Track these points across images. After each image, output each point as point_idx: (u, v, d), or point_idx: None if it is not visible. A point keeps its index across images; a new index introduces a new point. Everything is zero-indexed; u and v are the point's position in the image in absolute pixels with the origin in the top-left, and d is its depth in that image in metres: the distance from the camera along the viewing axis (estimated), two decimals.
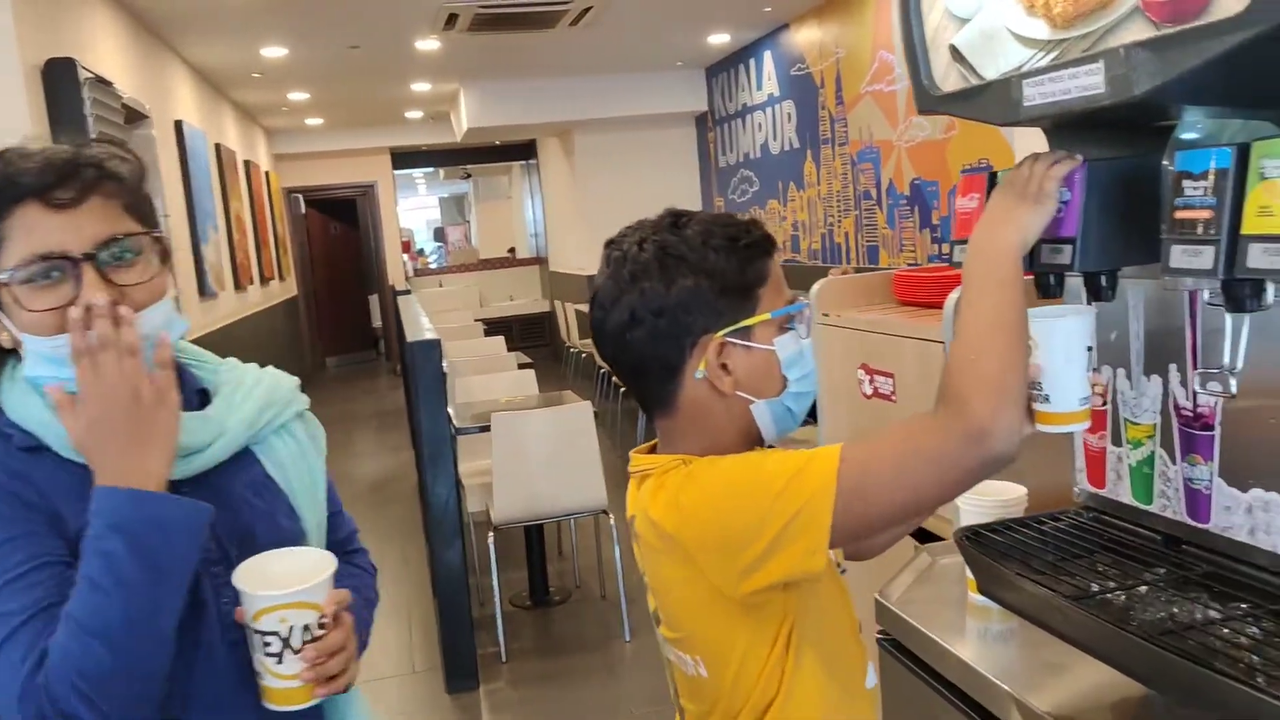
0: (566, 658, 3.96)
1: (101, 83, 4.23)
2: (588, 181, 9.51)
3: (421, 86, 8.55)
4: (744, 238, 1.11)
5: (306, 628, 1.02)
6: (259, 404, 1.16)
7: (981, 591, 1.42)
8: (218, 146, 7.31)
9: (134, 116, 5.10)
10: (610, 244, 1.16)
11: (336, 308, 12.67)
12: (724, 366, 1.10)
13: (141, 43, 5.58)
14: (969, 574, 1.46)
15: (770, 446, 1.20)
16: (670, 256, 1.09)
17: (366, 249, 12.55)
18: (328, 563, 1.07)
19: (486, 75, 8.23)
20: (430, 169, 14.27)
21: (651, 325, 1.09)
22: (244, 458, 1.14)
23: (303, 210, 12.15)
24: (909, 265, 5.60)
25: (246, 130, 9.20)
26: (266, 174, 10.04)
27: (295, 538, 1.15)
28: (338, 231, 12.78)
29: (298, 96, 8.59)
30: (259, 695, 1.04)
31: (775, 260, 1.14)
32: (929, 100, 1.28)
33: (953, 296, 1.94)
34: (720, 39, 7.59)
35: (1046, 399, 1.11)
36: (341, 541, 1.28)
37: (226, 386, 1.16)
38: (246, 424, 1.13)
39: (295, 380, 1.25)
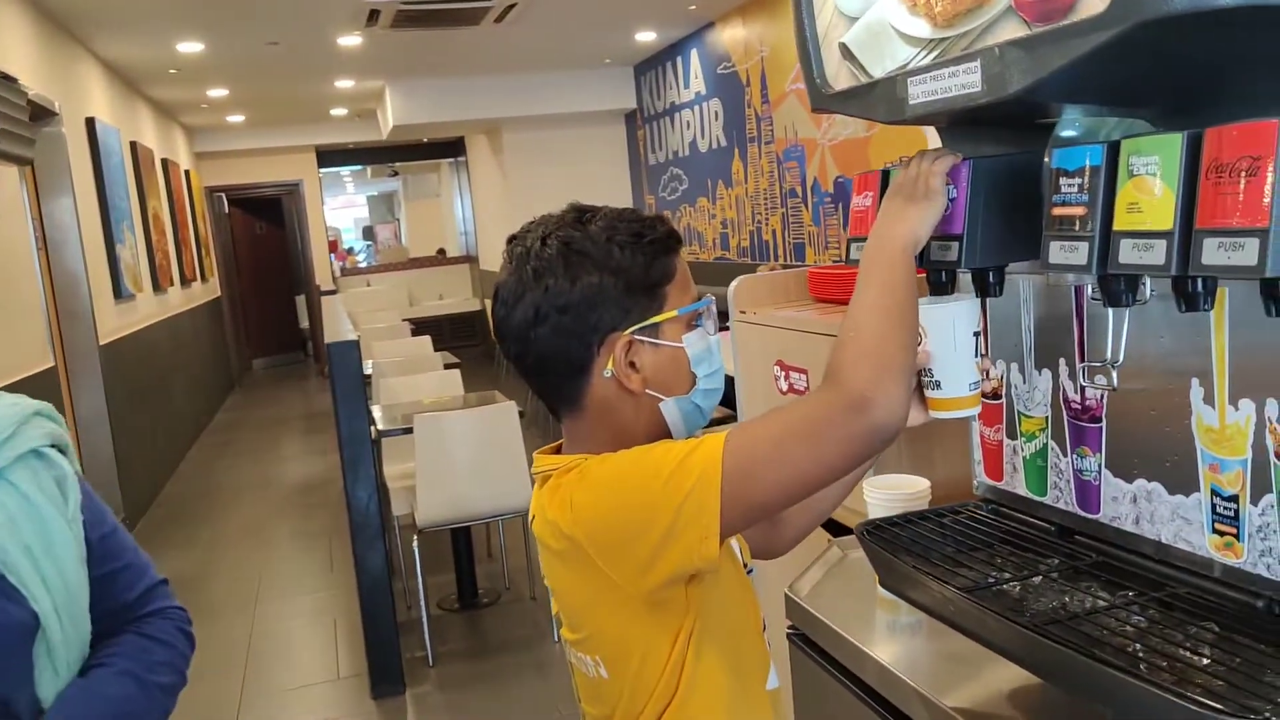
0: (495, 659, 3.92)
1: (4, 79, 4.09)
2: (517, 179, 9.45)
3: (345, 83, 8.42)
4: (649, 234, 1.10)
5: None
6: None
7: (883, 585, 1.43)
8: (133, 144, 7.12)
9: (41, 113, 4.94)
10: (513, 239, 1.14)
11: (263, 309, 12.43)
12: (632, 364, 1.09)
13: (49, 38, 5.40)
14: None
15: None
16: (575, 253, 1.07)
17: (293, 249, 12.33)
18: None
19: (412, 72, 8.13)
20: (357, 167, 14.07)
21: (556, 323, 1.07)
22: None
23: (225, 209, 11.89)
24: (834, 262, 5.66)
25: (164, 128, 8.97)
26: (186, 172, 9.80)
27: (17, 627, 0.93)
28: (263, 231, 12.53)
29: (217, 93, 8.40)
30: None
31: (681, 257, 1.13)
32: (821, 99, 1.29)
33: None
34: (647, 37, 7.59)
35: (938, 385, 1.13)
36: (130, 604, 1.10)
37: None
38: None
39: (27, 407, 1.02)
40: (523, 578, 4.63)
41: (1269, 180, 0.81)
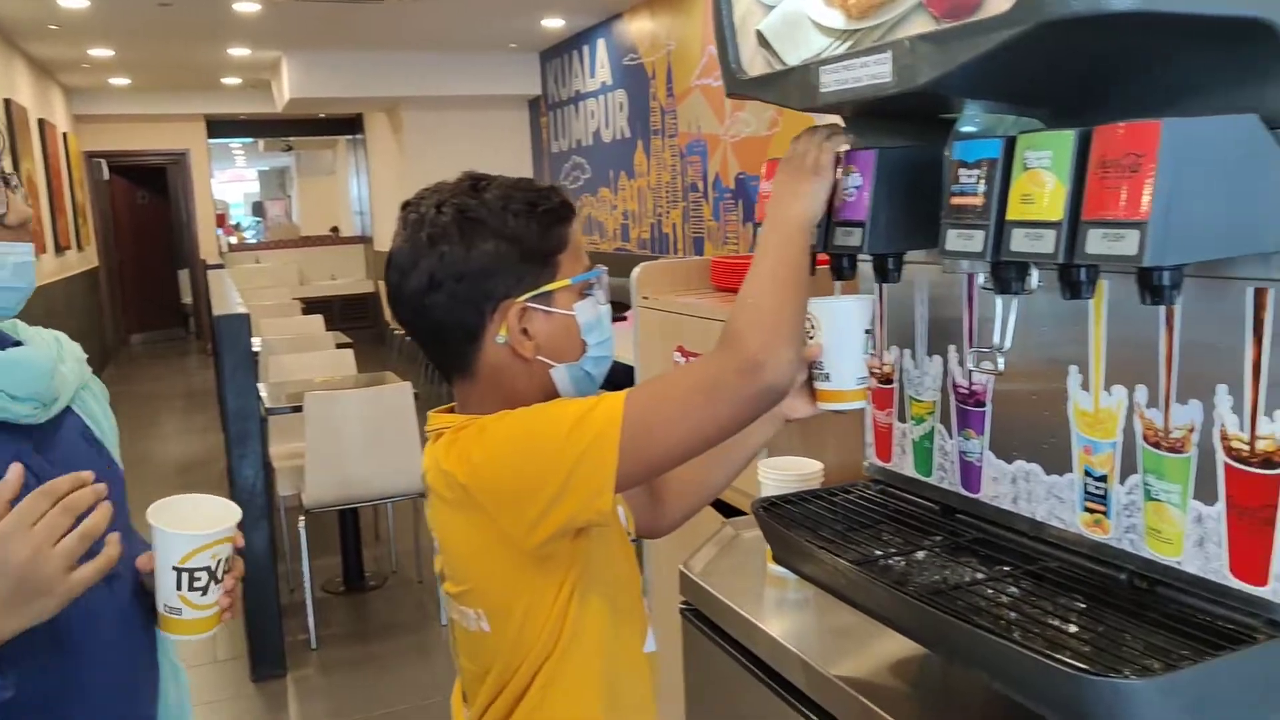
0: (379, 642, 3.88)
1: None
2: (416, 160, 9.30)
3: (240, 51, 8.15)
4: (543, 204, 1.12)
5: (225, 560, 1.11)
6: (76, 359, 1.19)
7: (776, 560, 1.48)
8: (7, 102, 6.76)
9: None
10: (407, 206, 1.15)
11: (143, 282, 11.95)
12: (525, 331, 1.12)
13: None
14: (768, 545, 1.52)
15: None
16: (470, 220, 1.10)
17: (178, 221, 11.86)
18: (228, 503, 1.15)
19: (311, 44, 7.92)
20: (249, 139, 13.63)
21: (451, 289, 1.10)
22: (67, 412, 1.15)
23: (106, 176, 11.37)
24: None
25: (42, 87, 8.53)
26: (64, 135, 9.34)
27: (120, 483, 1.16)
28: (146, 201, 12.03)
29: (101, 53, 8.02)
30: (160, 629, 1.11)
31: (574, 227, 1.16)
32: (736, 84, 1.32)
33: None
34: (554, 23, 7.56)
35: (827, 378, 1.20)
36: None
37: (29, 340, 1.16)
38: (75, 377, 1.16)
39: (62, 335, 1.25)
40: (411, 561, 4.59)
41: (1150, 176, 0.88)
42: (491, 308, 1.11)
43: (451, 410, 1.20)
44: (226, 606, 1.11)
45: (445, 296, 1.10)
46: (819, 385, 1.23)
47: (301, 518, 3.89)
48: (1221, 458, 1.05)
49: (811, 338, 1.24)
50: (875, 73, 1.07)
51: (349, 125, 12.26)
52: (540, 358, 1.13)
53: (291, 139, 13.31)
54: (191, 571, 1.08)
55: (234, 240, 12.97)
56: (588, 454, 1.03)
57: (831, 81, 1.14)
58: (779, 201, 1.15)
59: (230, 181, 15.98)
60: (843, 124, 1.18)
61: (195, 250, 11.48)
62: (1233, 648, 0.99)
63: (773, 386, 1.04)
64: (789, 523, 1.42)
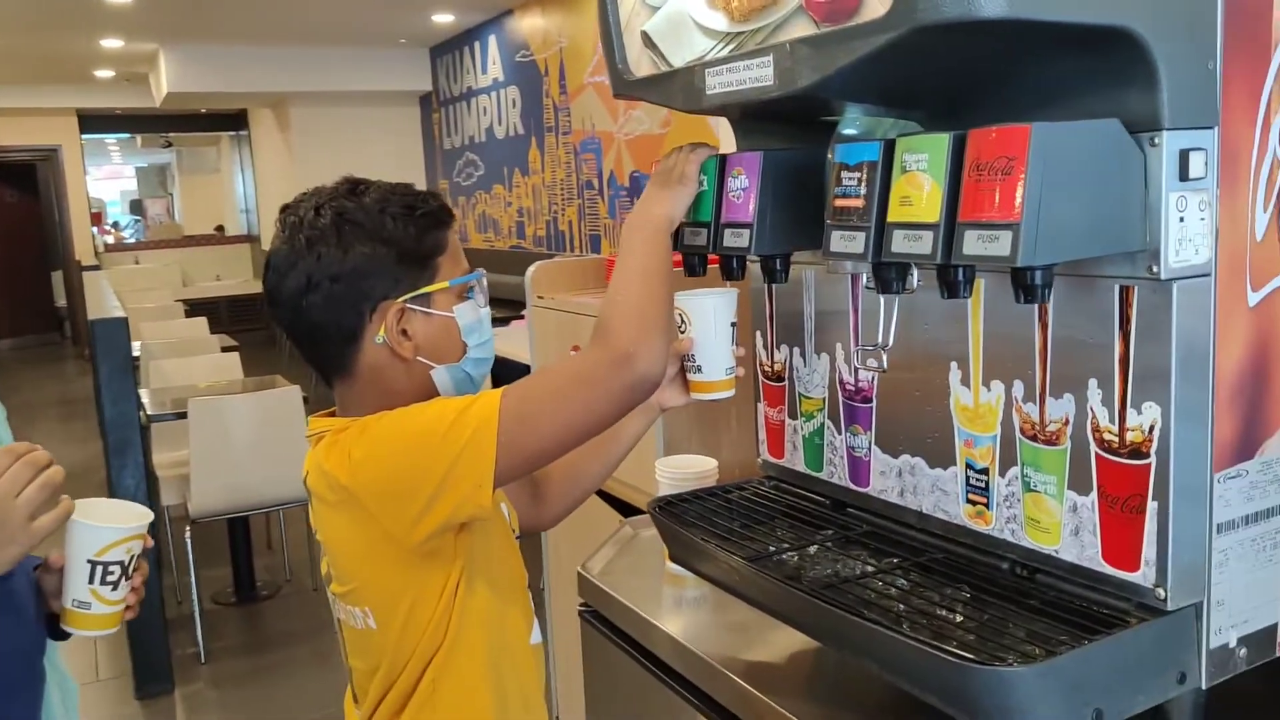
0: (273, 653, 3.77)
1: None
2: (305, 157, 9.05)
3: (113, 43, 7.79)
4: (421, 207, 1.15)
5: (136, 557, 1.16)
6: None
7: (673, 559, 1.49)
8: None
9: None
10: (286, 209, 1.17)
11: (12, 284, 11.37)
12: (404, 332, 1.15)
13: None
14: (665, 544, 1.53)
15: None
16: (348, 223, 1.12)
17: (49, 220, 11.30)
18: (141, 507, 1.22)
19: (190, 36, 7.63)
20: (126, 135, 13.07)
21: (328, 291, 1.12)
22: None
23: None
24: None
25: None
26: None
27: None
28: (14, 200, 11.44)
29: None
30: (64, 625, 1.15)
31: (453, 231, 1.19)
32: (622, 85, 1.32)
33: None
34: (444, 19, 7.45)
35: (699, 369, 1.28)
36: None
37: None
38: None
39: None
40: (305, 569, 4.47)
41: (1021, 179, 0.90)
42: (370, 308, 1.13)
43: (332, 414, 1.20)
44: (131, 604, 1.17)
45: (322, 298, 1.12)
46: (691, 377, 1.31)
47: (188, 528, 3.75)
48: (1094, 449, 1.09)
49: (683, 332, 1.30)
50: (758, 75, 1.08)
51: (233, 121, 11.87)
52: (420, 358, 1.16)
53: (171, 135, 12.82)
54: (106, 565, 1.13)
55: (110, 240, 12.42)
56: (467, 449, 1.04)
57: (716, 84, 1.15)
58: (645, 205, 1.21)
59: (107, 179, 15.32)
60: (712, 146, 1.27)
61: (70, 251, 10.96)
62: (1107, 631, 1.03)
63: (645, 376, 1.07)
64: (684, 522, 1.43)
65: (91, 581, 1.13)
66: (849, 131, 1.17)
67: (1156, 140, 0.97)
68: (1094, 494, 1.09)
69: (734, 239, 1.23)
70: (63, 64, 8.80)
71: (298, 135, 9.12)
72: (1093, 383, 1.08)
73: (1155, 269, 0.99)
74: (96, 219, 11.99)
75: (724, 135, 1.52)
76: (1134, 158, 0.98)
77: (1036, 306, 1.11)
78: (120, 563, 1.14)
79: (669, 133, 5.58)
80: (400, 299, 1.14)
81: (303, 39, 7.83)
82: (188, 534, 3.75)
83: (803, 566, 1.28)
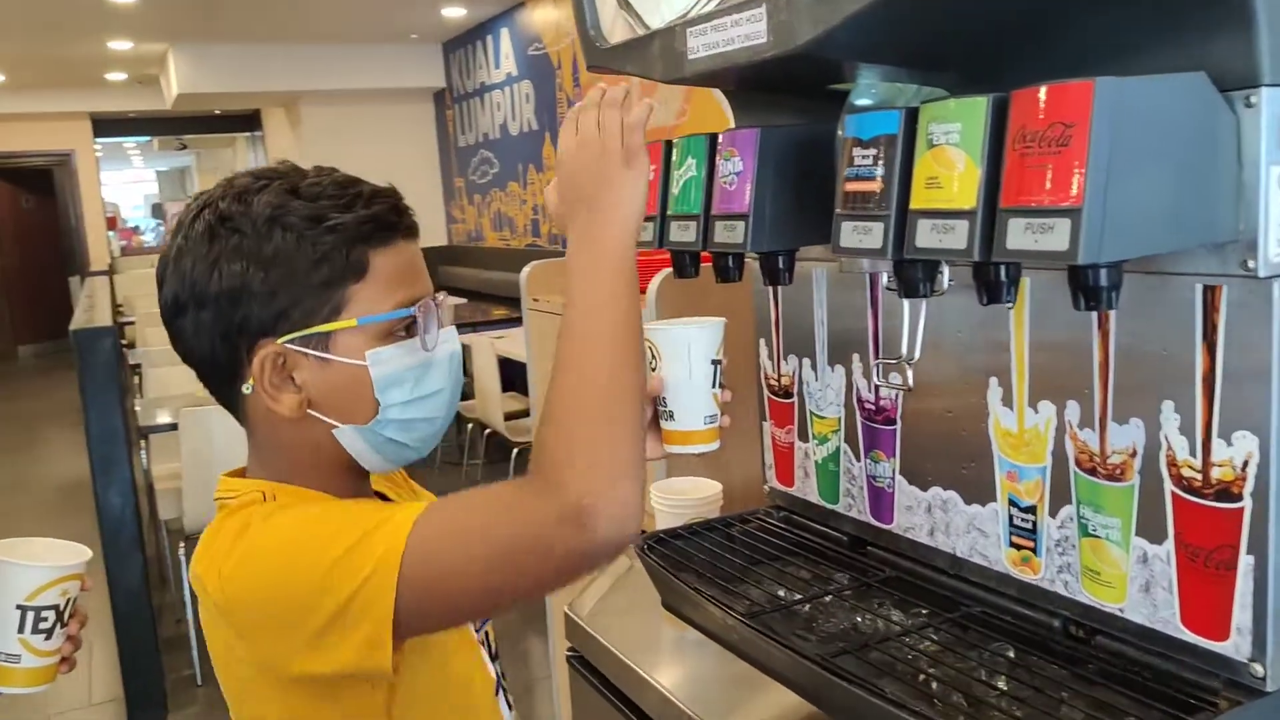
0: None
1: None
2: (318, 157, 8.76)
3: (122, 45, 7.69)
4: (334, 217, 0.86)
5: (73, 600, 1.06)
6: None
7: (665, 606, 1.29)
8: None
9: None
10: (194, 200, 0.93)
11: (31, 290, 11.32)
12: (292, 380, 0.88)
13: None
14: None
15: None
16: (228, 231, 0.86)
17: (66, 225, 11.25)
18: (79, 546, 1.11)
19: (199, 37, 7.51)
20: (142, 138, 13.02)
21: (195, 317, 0.87)
22: None
23: None
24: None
25: None
26: None
27: None
28: (31, 205, 11.40)
29: None
30: None
31: (394, 248, 0.89)
32: (596, 54, 1.12)
33: (653, 285, 1.83)
34: (456, 13, 7.29)
35: (671, 416, 1.02)
36: None
37: None
38: None
39: None
40: None
41: (1083, 151, 0.70)
42: (247, 345, 0.87)
43: (243, 472, 0.96)
44: (68, 654, 1.06)
45: (190, 323, 0.88)
46: (664, 424, 1.03)
47: (182, 544, 3.60)
48: (1169, 487, 0.88)
49: (653, 369, 1.04)
50: (749, 33, 0.88)
51: (247, 122, 11.77)
52: (312, 413, 0.88)
53: (186, 137, 12.75)
54: (38, 610, 1.03)
55: (126, 244, 12.36)
56: (361, 593, 0.77)
57: (699, 45, 0.95)
58: (580, 214, 0.86)
59: (128, 183, 15.32)
60: (639, 83, 0.91)
61: (86, 256, 10.91)
62: (1188, 718, 0.83)
63: (609, 541, 0.76)
64: (678, 564, 1.23)
65: (21, 630, 1.03)
66: (863, 102, 0.96)
67: (1253, 99, 0.77)
68: (1170, 543, 0.89)
69: (727, 234, 1.03)
70: (74, 67, 8.72)
71: (309, 134, 8.99)
72: (1168, 405, 0.87)
73: (1250, 264, 0.79)
74: (112, 223, 11.94)
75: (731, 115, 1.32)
76: (1224, 122, 0.77)
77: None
78: (55, 607, 1.04)
79: (683, 124, 5.37)
80: (281, 339, 0.86)
81: (313, 36, 7.70)
82: (182, 551, 3.60)
83: (816, 618, 1.10)
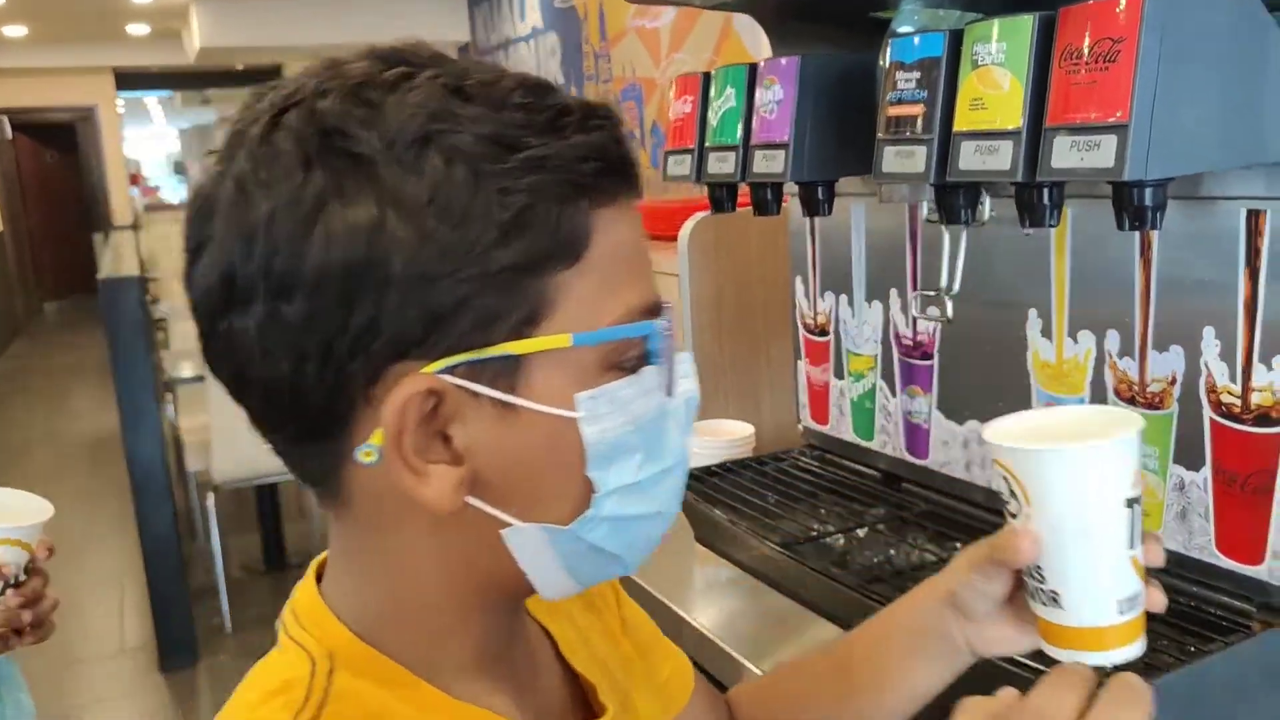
0: None
1: None
2: None
3: None
4: (535, 144, 0.49)
5: (16, 566, 0.96)
6: None
7: (699, 541, 1.30)
8: None
9: None
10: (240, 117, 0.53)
11: (57, 246, 11.42)
12: (444, 438, 0.51)
13: None
14: None
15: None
16: (338, 157, 0.48)
17: (89, 181, 11.30)
18: (42, 504, 0.99)
19: None
20: (164, 93, 13.02)
21: (265, 315, 0.49)
22: None
23: (9, 135, 10.77)
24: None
25: None
26: None
27: None
28: (54, 160, 11.46)
29: None
30: None
31: (621, 207, 0.53)
32: None
33: (687, 227, 1.82)
34: None
35: (1054, 599, 0.61)
36: None
37: None
38: None
39: None
40: None
41: (1131, 66, 0.69)
42: (368, 373, 0.50)
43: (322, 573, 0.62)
44: (21, 626, 0.96)
45: (254, 325, 0.49)
46: (1042, 612, 0.62)
47: (210, 495, 3.65)
48: (1208, 414, 0.88)
49: (1014, 515, 0.63)
50: None
51: (269, 77, 11.71)
52: (478, 503, 0.52)
53: (209, 92, 12.75)
54: None
55: (150, 201, 12.42)
56: None
57: None
58: None
59: (150, 139, 15.35)
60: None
61: (110, 212, 10.97)
62: (1223, 640, 0.84)
63: None
64: (713, 500, 1.24)
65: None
66: (905, 29, 0.96)
67: None
68: (1207, 469, 0.90)
69: (767, 163, 1.03)
70: (95, 20, 8.72)
71: None
72: (1209, 332, 0.88)
73: None
74: (134, 179, 11.99)
75: (761, 46, 1.31)
76: (1275, 40, 0.76)
77: (1138, 238, 0.91)
78: None
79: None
80: (439, 362, 0.49)
81: None
82: (211, 501, 3.65)
83: (850, 552, 1.10)
